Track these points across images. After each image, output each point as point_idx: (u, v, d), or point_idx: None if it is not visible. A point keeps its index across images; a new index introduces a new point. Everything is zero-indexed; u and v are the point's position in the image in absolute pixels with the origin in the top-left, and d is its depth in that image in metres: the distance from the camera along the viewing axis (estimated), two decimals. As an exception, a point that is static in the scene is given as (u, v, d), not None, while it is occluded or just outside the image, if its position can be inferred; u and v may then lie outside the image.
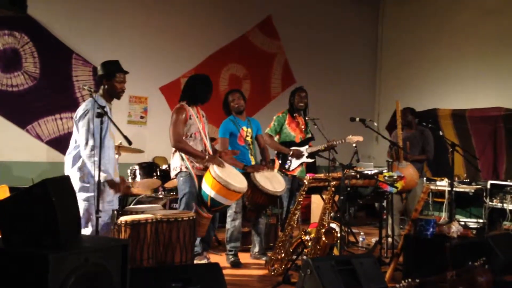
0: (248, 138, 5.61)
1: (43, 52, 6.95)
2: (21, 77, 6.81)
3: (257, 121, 5.91)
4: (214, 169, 4.76)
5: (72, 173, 4.11)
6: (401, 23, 10.66)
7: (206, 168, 4.94)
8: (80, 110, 4.16)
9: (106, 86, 4.31)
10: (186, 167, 5.02)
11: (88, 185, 4.07)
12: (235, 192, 4.78)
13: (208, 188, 4.76)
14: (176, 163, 5.11)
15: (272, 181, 5.30)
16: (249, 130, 5.64)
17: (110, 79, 4.29)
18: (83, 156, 4.04)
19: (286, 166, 6.05)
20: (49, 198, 2.74)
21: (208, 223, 4.96)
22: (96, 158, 3.91)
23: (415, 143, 6.36)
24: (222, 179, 4.68)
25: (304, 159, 6.10)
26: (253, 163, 5.56)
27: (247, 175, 5.26)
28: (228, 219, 5.49)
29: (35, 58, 6.91)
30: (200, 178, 4.94)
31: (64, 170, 4.24)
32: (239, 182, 4.87)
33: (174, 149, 5.11)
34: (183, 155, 5.05)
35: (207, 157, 4.98)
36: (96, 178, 3.93)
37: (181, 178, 5.04)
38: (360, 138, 6.10)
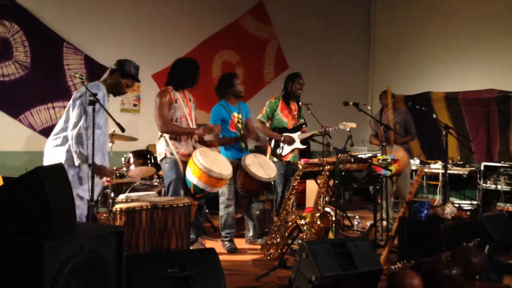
0: (239, 124, 5.60)
1: (33, 40, 6.89)
2: (12, 67, 6.76)
3: (246, 104, 5.90)
4: (197, 156, 4.71)
5: (56, 152, 4.10)
6: (393, 7, 10.63)
7: (190, 154, 4.88)
8: (77, 94, 4.15)
9: (113, 81, 4.30)
10: (171, 153, 4.98)
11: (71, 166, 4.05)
12: (217, 179, 4.71)
13: (191, 175, 4.72)
14: (161, 148, 5.05)
15: (264, 168, 5.29)
16: (240, 116, 5.64)
17: (124, 78, 4.30)
18: (69, 134, 4.01)
19: (278, 152, 6.03)
20: (42, 186, 2.72)
21: (195, 209, 4.95)
22: (90, 142, 3.90)
23: (399, 126, 6.41)
24: (204, 166, 4.63)
25: (296, 145, 6.08)
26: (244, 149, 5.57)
27: (239, 162, 5.30)
28: (221, 206, 5.49)
29: (26, 47, 6.85)
30: (185, 164, 4.89)
31: (45, 150, 4.22)
32: (223, 169, 4.79)
33: (159, 134, 5.05)
34: (168, 140, 4.99)
35: (196, 131, 4.97)
36: (90, 161, 3.91)
37: (166, 165, 4.99)
38: (353, 125, 6.09)
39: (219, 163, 4.87)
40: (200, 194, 4.80)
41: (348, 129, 6.09)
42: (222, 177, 4.74)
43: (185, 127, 4.99)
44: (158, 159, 5.13)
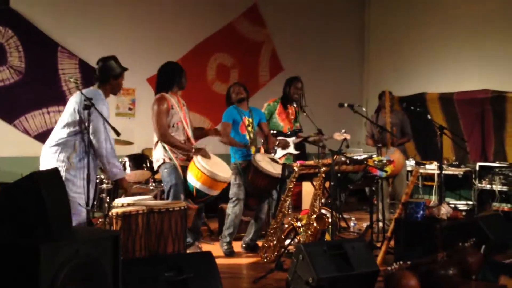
0: (250, 128, 5.62)
1: (28, 46, 6.87)
2: (6, 72, 6.74)
3: (260, 110, 5.94)
4: (198, 160, 4.79)
5: (52, 158, 4.08)
6: (387, 7, 10.64)
7: (189, 159, 4.95)
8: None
9: (111, 86, 4.31)
10: (170, 158, 4.98)
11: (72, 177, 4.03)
12: (221, 182, 4.86)
13: (193, 179, 4.80)
14: (159, 154, 5.04)
15: (272, 164, 5.38)
16: (251, 120, 5.66)
17: (118, 78, 4.32)
18: (103, 152, 4.05)
19: (272, 155, 6.04)
20: (37, 190, 2.72)
21: (194, 214, 4.97)
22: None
23: (396, 127, 6.43)
24: (208, 170, 4.74)
25: (289, 150, 6.10)
26: (253, 152, 5.57)
27: (247, 163, 5.39)
28: (230, 205, 5.49)
29: (20, 52, 6.84)
30: (184, 168, 4.94)
31: (41, 155, 4.20)
32: (224, 172, 4.95)
33: (156, 140, 5.07)
34: (166, 146, 5.00)
35: (193, 150, 4.98)
36: (86, 172, 3.91)
37: (165, 170, 4.98)
38: (348, 136, 6.13)
39: (219, 166, 5.00)
40: (203, 198, 4.90)
41: (343, 130, 6.12)
42: (226, 180, 4.92)
43: (183, 145, 4.99)
44: (156, 165, 5.11)
